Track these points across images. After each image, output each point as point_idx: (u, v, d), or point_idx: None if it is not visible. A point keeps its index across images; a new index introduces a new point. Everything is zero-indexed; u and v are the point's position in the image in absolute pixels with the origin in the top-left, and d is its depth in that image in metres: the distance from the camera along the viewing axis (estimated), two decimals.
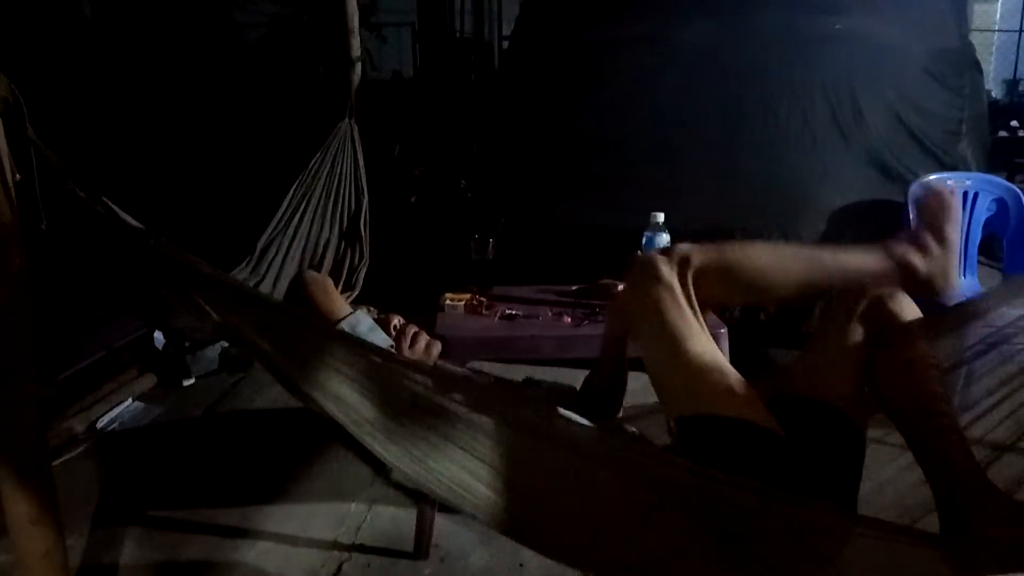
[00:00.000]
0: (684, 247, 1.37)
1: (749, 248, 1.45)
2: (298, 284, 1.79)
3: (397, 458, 1.18)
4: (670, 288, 1.30)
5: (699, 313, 1.32)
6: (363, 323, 1.67)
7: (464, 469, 1.13)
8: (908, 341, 1.37)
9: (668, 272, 1.32)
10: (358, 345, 1.25)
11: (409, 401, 1.16)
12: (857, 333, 1.39)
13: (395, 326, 1.74)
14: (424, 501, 2.24)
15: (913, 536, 1.03)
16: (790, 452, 1.23)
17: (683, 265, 1.33)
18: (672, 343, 1.29)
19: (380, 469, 2.74)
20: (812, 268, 1.42)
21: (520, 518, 1.17)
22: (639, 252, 2.44)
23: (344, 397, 1.21)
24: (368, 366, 1.19)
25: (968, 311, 1.48)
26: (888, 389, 1.35)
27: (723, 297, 1.46)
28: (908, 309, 1.41)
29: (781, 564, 1.04)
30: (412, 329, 1.74)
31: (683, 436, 1.29)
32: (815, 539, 1.01)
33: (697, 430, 1.26)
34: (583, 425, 1.27)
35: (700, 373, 1.27)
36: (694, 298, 1.32)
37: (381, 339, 1.68)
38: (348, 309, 1.72)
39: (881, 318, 1.39)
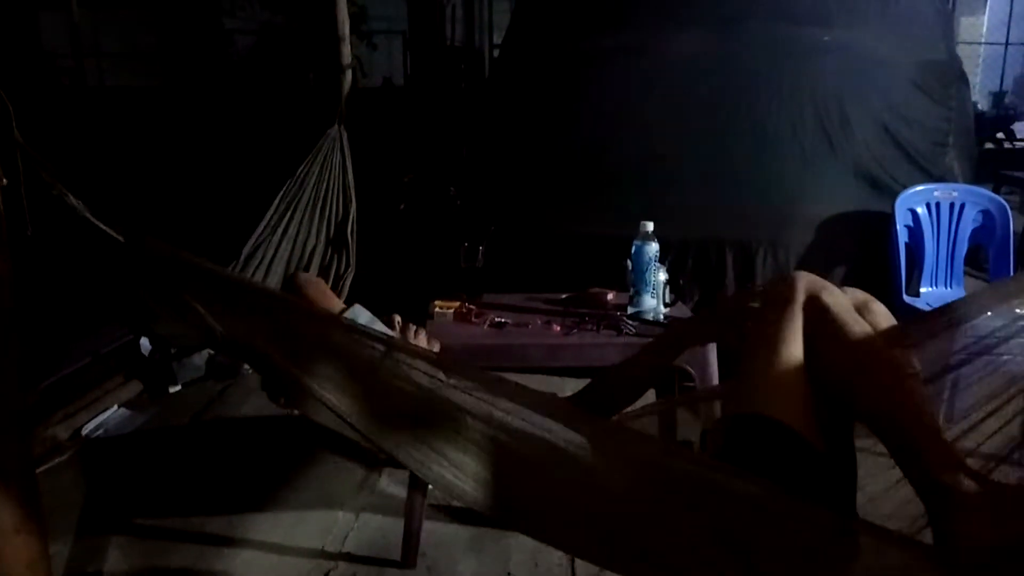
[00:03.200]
0: (831, 291, 1.42)
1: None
2: (292, 286, 1.79)
3: (391, 447, 1.21)
4: (798, 299, 1.39)
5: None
6: (362, 316, 1.68)
7: (461, 450, 1.16)
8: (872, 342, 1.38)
9: (804, 288, 1.40)
10: (359, 331, 1.26)
11: (412, 390, 1.17)
12: (796, 338, 1.38)
13: (397, 323, 1.75)
14: (412, 509, 2.24)
15: (910, 547, 1.02)
16: (824, 468, 1.25)
17: (815, 297, 1.40)
18: (775, 343, 1.35)
19: (368, 477, 2.74)
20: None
21: (511, 502, 1.20)
22: (628, 261, 2.44)
23: (340, 384, 1.22)
24: (370, 351, 1.21)
25: (947, 317, 1.48)
26: (856, 393, 1.34)
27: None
28: (842, 301, 1.41)
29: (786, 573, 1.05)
30: (413, 327, 1.75)
31: (734, 432, 1.32)
32: (825, 549, 1.00)
33: (753, 429, 1.29)
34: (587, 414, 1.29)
35: (782, 375, 1.32)
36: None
37: (381, 329, 1.68)
38: (342, 306, 1.73)
39: (819, 316, 1.39)
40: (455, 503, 1.24)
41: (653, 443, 1.39)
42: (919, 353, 1.44)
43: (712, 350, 2.29)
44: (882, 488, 1.40)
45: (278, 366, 1.33)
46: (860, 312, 1.45)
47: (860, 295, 1.51)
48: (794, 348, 1.36)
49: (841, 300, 1.41)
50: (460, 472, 1.17)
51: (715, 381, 2.33)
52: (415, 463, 1.21)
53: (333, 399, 1.24)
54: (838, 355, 1.36)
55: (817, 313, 1.38)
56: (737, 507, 1.02)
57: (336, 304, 1.74)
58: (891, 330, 1.44)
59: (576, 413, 1.23)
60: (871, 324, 1.44)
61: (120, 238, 1.46)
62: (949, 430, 1.39)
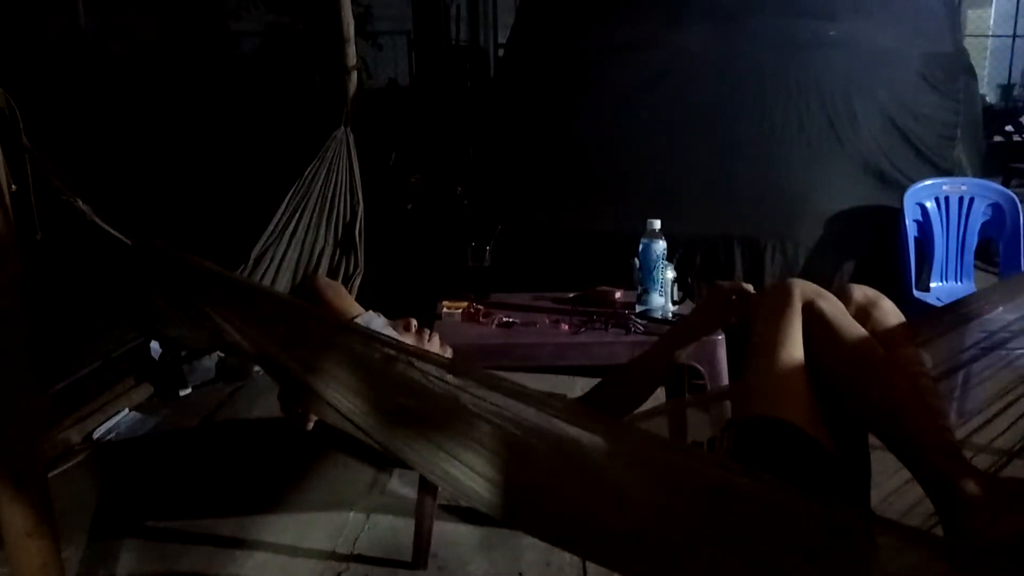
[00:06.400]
0: (827, 298, 1.44)
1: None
2: (310, 289, 1.79)
3: (400, 449, 1.23)
4: (796, 306, 1.41)
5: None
6: (375, 321, 1.68)
7: (471, 451, 1.16)
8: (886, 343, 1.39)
9: (799, 295, 1.43)
10: (371, 336, 1.28)
11: (419, 392, 1.18)
12: (796, 342, 1.39)
13: (413, 326, 1.75)
14: (422, 510, 2.24)
15: (927, 545, 1.00)
16: (834, 467, 1.26)
17: (811, 303, 1.42)
18: (775, 347, 1.37)
19: (378, 478, 2.74)
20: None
21: (521, 504, 1.21)
22: (636, 259, 2.44)
23: (352, 387, 1.24)
24: (382, 356, 1.21)
25: (958, 313, 1.47)
26: (855, 397, 1.35)
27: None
28: (838, 307, 1.43)
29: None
30: (427, 332, 1.75)
31: (742, 436, 1.33)
32: (842, 549, 0.99)
33: (760, 432, 1.30)
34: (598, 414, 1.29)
35: (785, 378, 1.34)
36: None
37: (393, 334, 1.68)
38: (360, 309, 1.73)
39: (815, 322, 1.40)
40: (465, 503, 1.23)
41: (665, 444, 1.38)
42: (930, 350, 1.43)
43: (721, 346, 2.28)
44: (896, 486, 1.40)
45: (291, 372, 1.34)
46: (868, 310, 1.47)
47: (870, 292, 1.52)
48: (795, 351, 1.37)
49: (836, 306, 1.43)
50: (470, 472, 1.17)
51: (725, 378, 2.32)
52: (424, 464, 1.22)
53: (344, 402, 1.25)
54: (836, 361, 1.37)
55: (814, 319, 1.40)
56: (750, 508, 1.01)
57: (354, 307, 1.74)
58: (899, 328, 1.46)
59: (586, 413, 1.22)
60: (879, 322, 1.45)
61: (128, 241, 1.47)
62: (961, 426, 1.38)
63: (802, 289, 1.44)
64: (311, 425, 1.61)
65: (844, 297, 1.49)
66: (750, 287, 1.64)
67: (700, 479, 1.07)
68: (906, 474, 1.29)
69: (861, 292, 1.52)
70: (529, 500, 1.21)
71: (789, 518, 1.00)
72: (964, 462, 1.23)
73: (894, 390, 1.32)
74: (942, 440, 1.25)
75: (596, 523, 1.15)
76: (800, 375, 1.35)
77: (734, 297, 1.64)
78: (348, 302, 1.76)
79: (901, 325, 1.47)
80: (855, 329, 1.40)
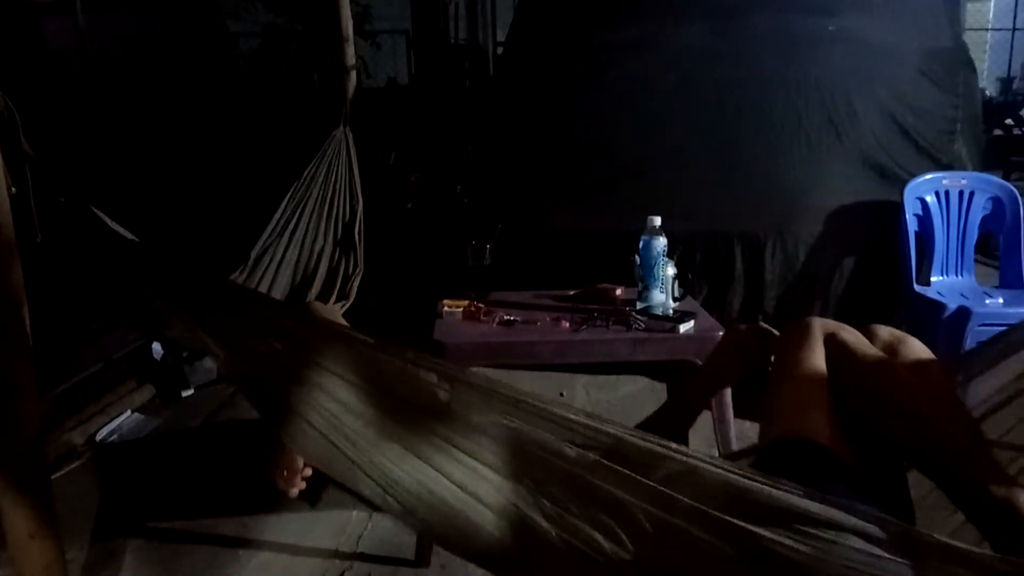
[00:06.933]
0: (848, 330, 1.45)
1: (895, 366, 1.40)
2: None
3: (390, 477, 1.15)
4: (817, 338, 1.43)
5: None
6: None
7: (466, 481, 1.09)
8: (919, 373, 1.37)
9: (820, 328, 1.45)
10: (368, 343, 1.20)
11: (420, 403, 1.13)
12: (819, 367, 1.39)
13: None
14: None
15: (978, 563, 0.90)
16: (863, 486, 1.22)
17: (832, 335, 1.43)
18: (798, 375, 1.38)
19: None
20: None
21: (527, 553, 1.11)
22: (636, 256, 2.44)
23: (345, 402, 1.19)
24: (379, 365, 1.17)
25: (996, 350, 1.44)
26: (890, 426, 1.32)
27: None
28: (860, 338, 1.42)
29: None
30: None
31: (767, 457, 1.30)
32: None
33: (785, 451, 1.27)
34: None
35: (809, 403, 1.33)
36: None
37: None
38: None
39: (839, 352, 1.40)
40: (455, 543, 1.15)
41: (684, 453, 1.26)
42: (965, 389, 1.42)
43: None
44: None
45: (278, 388, 1.30)
46: (896, 347, 1.46)
47: (896, 331, 1.51)
48: (818, 378, 1.36)
49: (858, 337, 1.42)
50: (461, 493, 1.10)
51: (730, 410, 2.33)
52: (411, 489, 1.13)
53: (331, 419, 1.20)
54: (862, 387, 1.35)
55: (837, 350, 1.39)
56: (775, 518, 0.95)
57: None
58: (929, 363, 1.44)
59: (597, 418, 1.09)
60: (907, 359, 1.44)
61: (133, 237, 1.47)
62: (1011, 462, 1.35)
63: (822, 323, 1.45)
64: (295, 492, 1.61)
65: (870, 336, 1.48)
66: (768, 327, 1.63)
67: (722, 492, 0.99)
68: (955, 521, 1.26)
69: (887, 331, 1.51)
70: (528, 535, 1.09)
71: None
72: (1017, 486, 1.18)
73: (929, 417, 1.28)
74: (988, 461, 1.22)
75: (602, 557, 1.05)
76: (824, 401, 1.33)
77: (753, 342, 1.62)
78: (343, 326, 1.75)
79: (930, 361, 1.45)
80: (879, 356, 1.39)
